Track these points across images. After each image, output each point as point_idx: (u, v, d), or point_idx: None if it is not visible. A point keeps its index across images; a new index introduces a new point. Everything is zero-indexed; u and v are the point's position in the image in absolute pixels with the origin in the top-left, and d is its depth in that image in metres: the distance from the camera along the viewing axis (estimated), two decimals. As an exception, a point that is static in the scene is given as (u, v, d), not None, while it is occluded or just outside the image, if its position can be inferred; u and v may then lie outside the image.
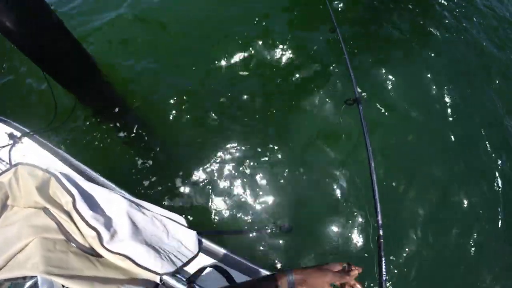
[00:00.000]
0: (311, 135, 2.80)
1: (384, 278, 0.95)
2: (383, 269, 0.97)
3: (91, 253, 1.08)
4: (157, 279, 1.08)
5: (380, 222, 1.06)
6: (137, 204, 1.27)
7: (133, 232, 1.13)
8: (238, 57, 3.14)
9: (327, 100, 2.98)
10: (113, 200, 1.20)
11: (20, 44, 2.00)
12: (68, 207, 1.11)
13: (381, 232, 1.04)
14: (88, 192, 1.18)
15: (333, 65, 3.20)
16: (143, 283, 1.10)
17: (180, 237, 1.31)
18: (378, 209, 1.07)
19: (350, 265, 0.98)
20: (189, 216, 1.98)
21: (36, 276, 0.94)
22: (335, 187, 2.57)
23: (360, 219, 2.46)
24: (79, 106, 2.50)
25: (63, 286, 0.95)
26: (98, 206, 1.16)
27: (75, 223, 1.09)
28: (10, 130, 1.48)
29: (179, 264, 1.17)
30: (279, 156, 2.61)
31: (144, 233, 1.17)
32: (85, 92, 2.54)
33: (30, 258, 0.97)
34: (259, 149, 2.65)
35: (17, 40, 1.97)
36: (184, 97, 2.79)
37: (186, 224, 1.38)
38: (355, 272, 0.96)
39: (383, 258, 0.98)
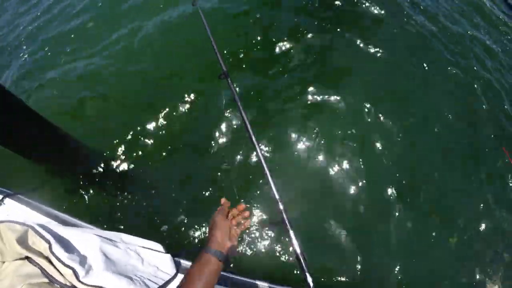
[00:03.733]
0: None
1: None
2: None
3: (72, 290, 1.32)
4: (132, 304, 1.31)
5: (277, 196, 1.31)
6: (110, 239, 1.52)
7: (106, 265, 1.37)
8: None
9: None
10: (86, 239, 1.45)
11: None
12: (46, 252, 1.36)
13: (281, 207, 1.28)
14: (62, 236, 1.44)
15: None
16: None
17: (155, 262, 1.55)
18: (271, 182, 1.31)
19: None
20: (166, 240, 2.28)
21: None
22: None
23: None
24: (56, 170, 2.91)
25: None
26: (72, 247, 1.41)
27: (54, 265, 1.34)
28: (-8, 193, 1.76)
29: (155, 287, 1.40)
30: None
31: (118, 264, 1.42)
32: (58, 162, 2.90)
33: (19, 302, 1.21)
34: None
35: None
36: (151, 135, 3.38)
37: (163, 250, 1.62)
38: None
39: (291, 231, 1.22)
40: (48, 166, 2.80)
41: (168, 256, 1.58)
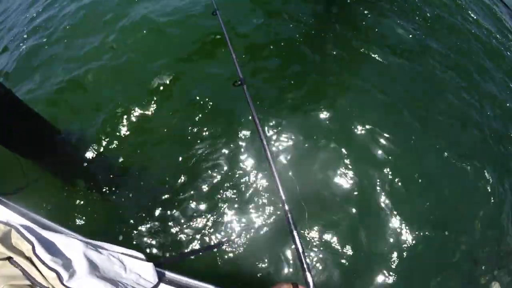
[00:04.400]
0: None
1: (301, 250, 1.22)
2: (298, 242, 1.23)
3: (54, 294, 1.33)
4: (116, 310, 1.33)
5: (283, 197, 1.36)
6: (94, 245, 1.53)
7: (90, 270, 1.38)
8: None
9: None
10: (70, 243, 1.46)
11: None
12: (29, 253, 1.36)
13: (286, 207, 1.33)
14: (46, 238, 1.44)
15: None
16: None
17: (137, 270, 1.56)
18: (279, 184, 1.37)
19: (297, 285, 1.22)
20: (148, 250, 2.30)
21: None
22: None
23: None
24: (42, 170, 2.88)
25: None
26: (56, 250, 1.42)
27: (37, 268, 1.34)
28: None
29: (137, 294, 1.42)
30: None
31: (101, 270, 1.43)
32: (47, 157, 2.87)
33: (-1, 304, 1.21)
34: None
35: None
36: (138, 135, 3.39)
37: (144, 258, 1.64)
38: None
39: (294, 232, 1.26)
40: (31, 163, 2.77)
41: (150, 264, 1.60)
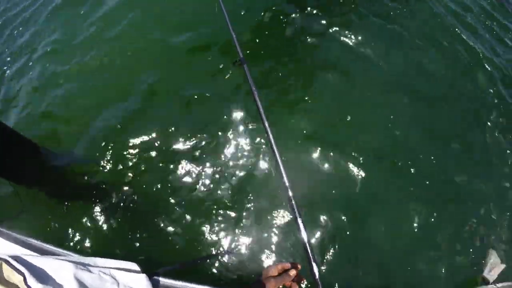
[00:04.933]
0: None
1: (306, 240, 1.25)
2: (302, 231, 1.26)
3: (49, 322, 1.39)
4: (109, 331, 1.39)
5: (287, 184, 1.38)
6: (84, 264, 1.58)
7: (81, 293, 1.43)
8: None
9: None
10: (60, 267, 1.51)
11: None
12: (22, 285, 1.42)
13: (290, 193, 1.35)
14: (37, 266, 1.50)
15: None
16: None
17: (131, 284, 1.62)
18: (282, 170, 1.39)
19: (291, 264, 1.28)
20: (143, 260, 2.37)
21: None
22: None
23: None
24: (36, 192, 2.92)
25: None
26: (47, 277, 1.47)
27: (30, 299, 1.40)
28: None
29: (130, 309, 1.48)
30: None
31: (93, 290, 1.48)
32: (40, 179, 2.90)
33: (-2, 336, 1.27)
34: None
35: None
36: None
37: (138, 268, 1.69)
38: (293, 271, 1.27)
39: (299, 220, 1.28)
40: (24, 188, 2.83)
41: (143, 276, 1.65)
